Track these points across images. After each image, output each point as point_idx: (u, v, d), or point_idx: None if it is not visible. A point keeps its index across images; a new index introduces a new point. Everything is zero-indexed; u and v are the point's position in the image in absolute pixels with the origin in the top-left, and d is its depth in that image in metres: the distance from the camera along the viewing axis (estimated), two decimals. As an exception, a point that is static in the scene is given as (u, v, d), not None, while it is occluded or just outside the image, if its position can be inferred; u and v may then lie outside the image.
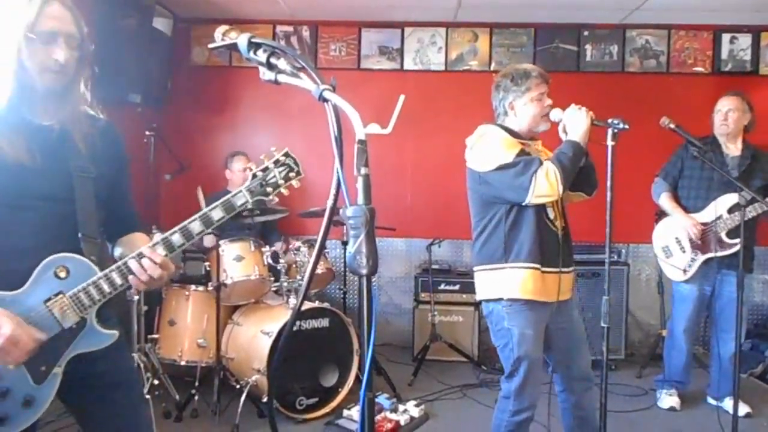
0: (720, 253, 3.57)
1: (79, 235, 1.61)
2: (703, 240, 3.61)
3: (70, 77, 1.60)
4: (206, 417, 3.52)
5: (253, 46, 1.27)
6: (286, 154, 1.75)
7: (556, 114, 2.48)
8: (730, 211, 3.54)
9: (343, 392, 3.70)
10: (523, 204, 2.41)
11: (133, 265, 1.60)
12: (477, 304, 4.72)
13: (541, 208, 2.47)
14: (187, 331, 3.82)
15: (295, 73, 1.23)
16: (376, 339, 4.23)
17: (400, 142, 5.11)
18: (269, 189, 1.73)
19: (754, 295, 5.04)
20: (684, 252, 3.69)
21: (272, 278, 3.91)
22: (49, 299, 1.55)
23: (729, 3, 4.53)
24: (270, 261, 3.86)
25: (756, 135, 3.73)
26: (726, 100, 3.71)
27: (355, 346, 3.74)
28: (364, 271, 1.09)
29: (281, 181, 1.73)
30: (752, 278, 4.87)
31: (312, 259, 1.22)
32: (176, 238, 1.65)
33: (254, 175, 1.72)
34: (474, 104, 5.16)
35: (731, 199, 3.52)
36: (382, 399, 3.57)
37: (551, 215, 2.51)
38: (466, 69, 5.15)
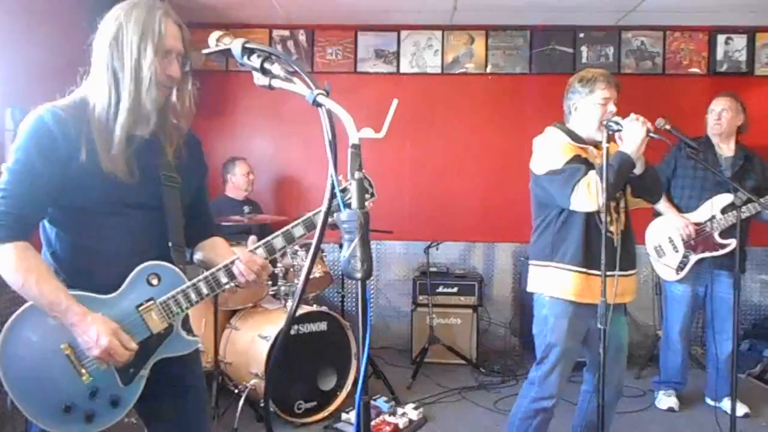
0: (713, 254, 3.58)
1: (170, 243, 1.69)
2: (696, 240, 3.62)
3: (172, 91, 1.67)
4: (205, 422, 3.51)
5: (247, 51, 1.28)
6: (363, 176, 1.83)
7: (615, 122, 2.49)
8: (724, 211, 3.55)
9: (342, 396, 3.70)
10: (570, 209, 2.48)
11: (235, 269, 1.72)
12: (475, 307, 4.73)
13: (592, 214, 2.51)
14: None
15: (289, 78, 1.24)
16: (375, 342, 4.27)
17: (397, 145, 5.12)
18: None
19: (751, 296, 5.05)
20: (677, 252, 3.70)
21: (270, 282, 3.90)
22: (141, 305, 1.63)
23: (724, 4, 4.54)
24: (267, 265, 3.85)
25: (751, 136, 3.75)
26: (719, 100, 3.74)
27: (354, 349, 3.74)
28: (358, 275, 1.09)
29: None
30: (748, 278, 4.88)
31: (306, 264, 1.22)
32: (278, 242, 1.78)
33: (334, 195, 1.81)
34: (471, 106, 5.22)
35: (725, 199, 3.54)
36: (381, 402, 3.57)
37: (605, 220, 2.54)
38: (463, 72, 5.16)
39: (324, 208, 1.13)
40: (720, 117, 3.67)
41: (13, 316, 1.57)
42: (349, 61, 5.19)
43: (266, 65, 1.25)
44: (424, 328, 4.61)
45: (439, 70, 5.17)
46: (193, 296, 1.68)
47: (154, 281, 1.64)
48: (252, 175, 4.57)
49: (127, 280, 1.62)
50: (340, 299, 4.79)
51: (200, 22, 5.05)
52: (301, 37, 5.19)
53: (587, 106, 2.58)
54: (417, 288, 4.79)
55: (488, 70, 5.15)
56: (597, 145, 2.62)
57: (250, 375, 3.53)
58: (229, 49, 1.32)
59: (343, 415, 3.50)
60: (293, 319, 3.50)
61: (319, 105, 1.14)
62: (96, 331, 1.52)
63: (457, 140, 5.17)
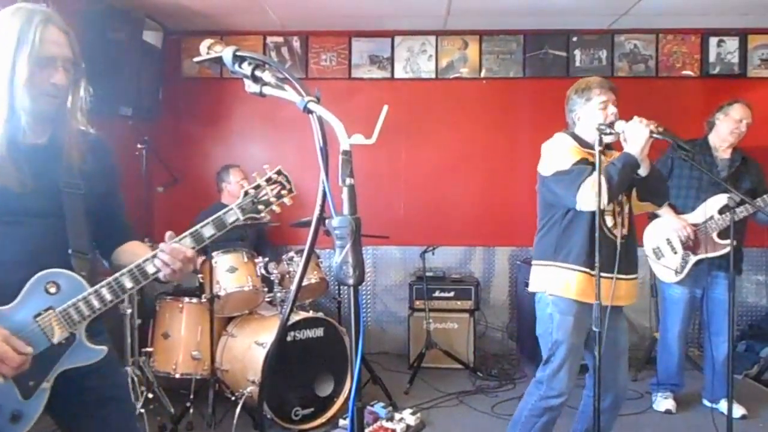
0: (711, 254, 3.58)
1: (69, 251, 1.62)
2: (695, 241, 3.62)
3: (64, 98, 1.62)
4: (202, 429, 3.50)
5: (238, 59, 1.28)
6: (279, 172, 1.78)
7: (619, 125, 2.51)
8: (721, 212, 3.55)
9: (339, 402, 3.69)
10: (576, 209, 2.51)
11: (157, 262, 1.62)
12: (472, 311, 4.73)
13: (597, 215, 2.51)
14: (181, 344, 3.81)
15: (280, 85, 1.24)
16: (372, 347, 4.27)
17: (392, 150, 5.13)
18: (261, 207, 1.74)
19: (747, 296, 5.06)
20: (675, 253, 3.70)
21: (266, 289, 3.90)
22: (39, 314, 1.55)
23: (716, 6, 4.57)
24: (263, 272, 3.86)
25: (744, 137, 3.75)
26: (744, 110, 3.68)
27: (351, 355, 3.73)
28: (350, 281, 1.09)
29: (273, 199, 1.75)
30: (745, 279, 4.89)
31: (299, 271, 1.22)
32: (187, 241, 1.68)
33: (246, 193, 1.73)
34: (465, 111, 5.23)
35: (721, 200, 3.54)
36: (378, 407, 3.56)
37: (609, 223, 2.57)
38: (457, 76, 5.18)
39: (315, 214, 1.13)
40: (741, 126, 3.65)
41: None
42: (344, 67, 5.20)
43: (257, 73, 1.25)
44: (421, 333, 4.60)
45: (433, 75, 5.18)
46: (95, 303, 1.59)
47: (52, 289, 1.57)
48: (247, 182, 4.56)
49: (24, 289, 1.55)
50: (337, 305, 4.78)
51: (194, 30, 5.08)
52: (295, 43, 5.20)
53: (588, 113, 2.64)
54: (413, 293, 4.78)
55: (482, 74, 5.16)
56: (607, 148, 2.67)
57: (246, 382, 3.53)
58: (220, 57, 1.32)
59: (341, 422, 3.49)
60: (287, 327, 3.50)
61: (310, 112, 1.15)
62: None
63: (451, 145, 5.18)
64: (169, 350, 3.81)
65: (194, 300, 3.85)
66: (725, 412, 3.06)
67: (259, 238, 4.54)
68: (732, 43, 5.04)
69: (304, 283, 3.97)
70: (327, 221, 1.13)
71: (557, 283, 2.61)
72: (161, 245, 1.64)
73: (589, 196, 2.40)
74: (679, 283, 3.70)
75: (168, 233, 1.69)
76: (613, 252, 2.51)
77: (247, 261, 3.82)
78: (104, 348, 1.66)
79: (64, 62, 1.59)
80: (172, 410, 3.58)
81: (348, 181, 1.10)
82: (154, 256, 1.64)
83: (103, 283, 1.61)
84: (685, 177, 3.74)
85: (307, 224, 3.98)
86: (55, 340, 1.56)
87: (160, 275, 1.65)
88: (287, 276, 3.93)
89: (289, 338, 3.56)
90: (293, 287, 3.82)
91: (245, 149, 5.22)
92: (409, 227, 5.18)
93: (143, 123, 4.64)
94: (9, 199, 1.55)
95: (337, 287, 4.78)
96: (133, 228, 1.92)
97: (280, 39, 5.21)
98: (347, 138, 1.10)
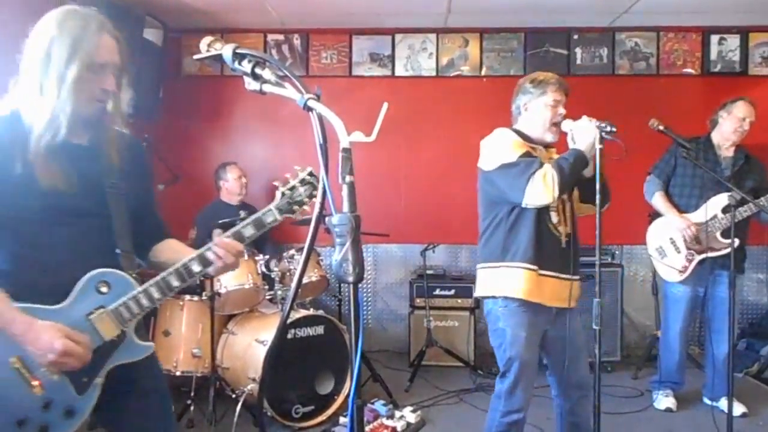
0: (715, 253, 3.57)
1: (117, 250, 1.67)
2: (698, 240, 3.61)
3: (109, 102, 1.66)
4: (202, 427, 3.50)
5: (238, 56, 1.28)
6: (311, 174, 1.84)
7: (567, 124, 2.51)
8: (725, 210, 3.54)
9: (339, 400, 3.70)
10: (522, 205, 2.45)
11: (210, 255, 1.68)
12: (472, 309, 4.73)
13: (543, 212, 2.50)
14: (181, 342, 3.81)
15: (280, 83, 1.24)
16: (373, 345, 4.27)
17: (393, 148, 5.12)
18: (296, 207, 1.82)
19: (748, 295, 5.06)
20: (679, 252, 3.69)
21: (266, 287, 3.90)
22: (91, 313, 1.60)
23: (717, 4, 4.56)
24: (264, 269, 3.86)
25: (747, 135, 3.74)
26: (748, 108, 3.66)
27: (351, 353, 3.73)
28: (350, 279, 1.09)
29: (306, 199, 1.83)
30: (745, 277, 4.89)
31: (299, 268, 1.23)
32: (211, 255, 1.72)
33: (282, 194, 1.80)
34: (465, 109, 5.22)
35: (724, 199, 3.53)
36: (379, 405, 3.56)
37: (554, 220, 2.54)
38: (457, 74, 5.17)
39: (315, 211, 1.14)
40: (744, 125, 3.63)
41: None
42: (344, 64, 5.20)
43: (257, 70, 1.25)
44: (422, 331, 4.61)
45: (433, 73, 5.18)
46: (144, 302, 1.65)
47: (104, 289, 1.62)
48: (245, 179, 4.56)
49: (76, 288, 1.59)
50: (337, 303, 4.78)
51: (195, 27, 5.07)
52: (296, 41, 5.20)
53: (538, 107, 2.59)
54: (414, 290, 4.79)
55: (483, 72, 5.16)
56: (546, 146, 2.65)
57: (247, 380, 3.53)
58: (219, 55, 1.32)
59: (341, 419, 3.49)
60: (288, 324, 3.50)
61: (310, 109, 1.15)
62: (47, 337, 1.49)
63: (452, 143, 5.17)
64: (170, 348, 3.80)
65: (195, 297, 3.85)
66: (725, 410, 3.06)
67: (259, 236, 4.53)
68: (733, 41, 5.03)
69: (305, 280, 3.98)
70: (327, 219, 1.13)
71: (506, 284, 2.53)
72: (215, 239, 1.71)
73: (539, 190, 2.36)
74: (682, 281, 3.69)
75: (216, 230, 1.75)
76: (558, 250, 2.51)
77: (248, 259, 3.82)
78: (151, 344, 1.74)
79: (114, 68, 1.63)
80: (173, 408, 3.57)
81: (348, 178, 1.10)
82: (202, 254, 1.70)
83: (151, 282, 1.66)
84: (688, 176, 3.73)
85: (308, 222, 3.97)
86: (107, 338, 1.61)
87: (211, 269, 1.71)
88: (288, 274, 3.93)
89: (289, 336, 3.56)
90: (293, 285, 3.82)
91: (246, 147, 5.23)
92: (409, 225, 5.18)
93: (143, 121, 4.62)
94: (58, 199, 1.58)
95: (337, 285, 4.79)
96: (168, 226, 1.96)
97: (281, 37, 5.20)
98: (347, 136, 1.11)
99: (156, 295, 1.66)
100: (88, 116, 1.62)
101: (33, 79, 1.58)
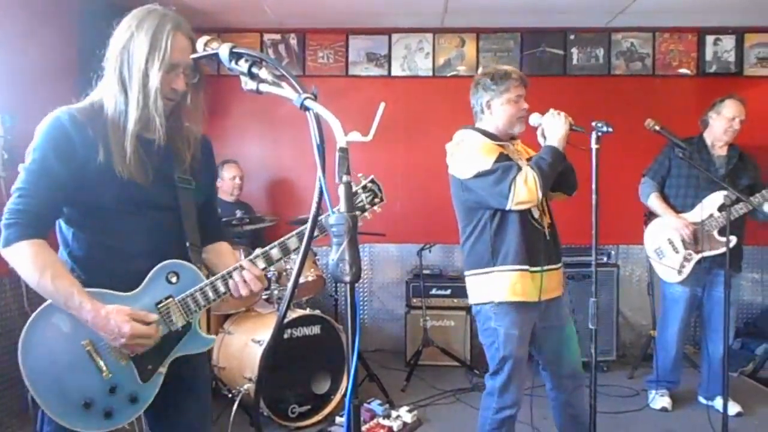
0: (713, 252, 3.58)
1: (187, 243, 1.72)
2: (696, 240, 3.62)
3: (180, 100, 1.71)
4: (198, 427, 3.50)
5: (235, 56, 1.28)
6: (373, 181, 1.89)
7: (535, 118, 2.53)
8: (721, 209, 3.54)
9: (336, 399, 3.69)
10: (506, 209, 2.45)
11: (236, 276, 1.72)
12: (469, 309, 4.72)
13: (525, 210, 2.50)
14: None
15: (277, 82, 1.24)
16: (369, 345, 4.25)
17: (389, 148, 5.12)
18: (357, 212, 1.84)
19: (743, 294, 5.07)
20: (677, 253, 3.69)
21: (263, 286, 3.89)
22: (161, 302, 1.66)
23: (712, 5, 4.57)
24: (260, 269, 3.85)
25: (740, 135, 3.75)
26: (737, 106, 3.66)
27: (347, 353, 3.73)
28: (347, 279, 1.09)
29: (367, 206, 1.88)
30: (741, 277, 4.90)
31: (296, 268, 1.23)
32: (275, 252, 1.81)
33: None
34: (462, 109, 5.16)
35: (719, 198, 3.53)
36: (375, 405, 3.57)
37: (536, 214, 2.55)
38: (454, 74, 5.18)
39: (312, 211, 1.14)
40: (734, 124, 3.64)
41: (34, 314, 1.59)
42: (341, 64, 5.20)
43: (254, 69, 1.26)
44: (418, 331, 4.61)
45: (430, 73, 5.18)
46: (210, 294, 1.71)
47: (173, 279, 1.68)
48: (239, 180, 4.56)
49: (147, 277, 1.65)
50: (334, 303, 4.78)
51: (192, 27, 5.05)
52: (293, 40, 5.20)
53: (501, 104, 2.58)
54: (410, 290, 4.79)
55: (479, 72, 5.15)
56: (512, 138, 2.66)
57: (243, 379, 3.52)
58: (217, 54, 1.32)
59: (337, 419, 3.49)
60: (284, 324, 3.49)
61: (307, 109, 1.15)
62: (115, 321, 1.54)
63: (449, 142, 5.17)
64: (166, 348, 3.80)
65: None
66: (721, 409, 3.07)
67: (256, 236, 4.53)
68: (729, 42, 5.05)
69: (301, 280, 3.97)
70: (324, 219, 1.13)
71: (501, 289, 2.51)
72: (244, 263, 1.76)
73: (523, 194, 2.36)
74: (681, 282, 3.69)
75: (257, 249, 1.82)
76: (544, 242, 2.53)
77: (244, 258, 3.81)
78: (214, 337, 1.80)
79: (186, 68, 1.67)
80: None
81: (345, 178, 1.10)
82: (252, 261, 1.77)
83: (218, 276, 1.72)
84: (683, 176, 3.73)
85: (305, 221, 3.97)
86: (174, 328, 1.67)
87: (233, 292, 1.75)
88: (284, 273, 3.93)
89: (285, 336, 3.56)
90: (290, 285, 3.81)
91: (242, 146, 5.22)
92: (406, 225, 5.18)
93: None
94: (135, 191, 1.63)
95: (333, 285, 4.79)
96: (226, 230, 1.98)
97: (278, 36, 5.20)
98: (344, 135, 1.11)
99: (222, 288, 1.72)
100: (158, 112, 1.65)
101: (115, 76, 1.63)
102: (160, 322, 1.64)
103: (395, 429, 3.35)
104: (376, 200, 1.88)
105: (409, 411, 3.53)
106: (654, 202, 3.78)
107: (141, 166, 1.63)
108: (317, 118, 1.14)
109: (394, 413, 3.48)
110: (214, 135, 5.63)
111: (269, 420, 3.47)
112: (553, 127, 2.44)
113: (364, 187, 1.86)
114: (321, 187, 1.12)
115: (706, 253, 3.59)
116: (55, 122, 1.58)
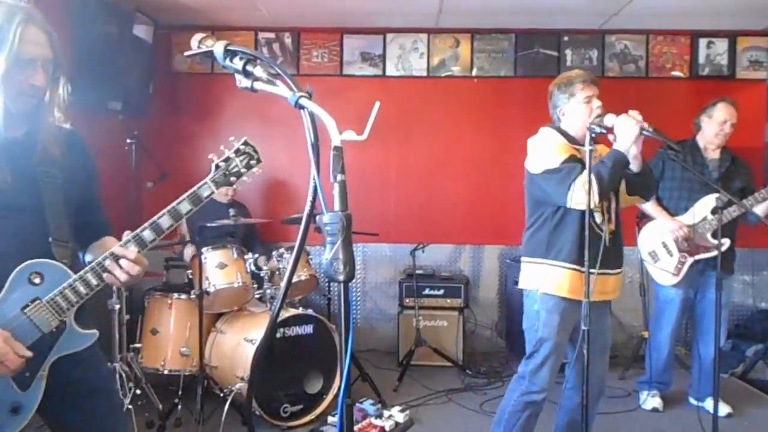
0: (706, 255, 3.59)
1: (50, 239, 1.62)
2: (690, 242, 3.63)
3: (42, 96, 1.62)
4: (190, 426, 3.49)
5: (229, 53, 1.27)
6: (245, 143, 1.82)
7: (609, 119, 2.49)
8: (714, 212, 3.56)
9: (328, 399, 3.69)
10: (566, 206, 2.51)
11: (108, 264, 1.63)
12: (461, 309, 4.74)
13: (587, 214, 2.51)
14: (170, 340, 3.79)
15: (272, 81, 1.24)
16: (362, 345, 4.26)
17: (383, 148, 5.12)
18: (233, 178, 1.80)
19: (734, 296, 5.09)
20: (671, 255, 3.70)
21: (255, 285, 3.89)
22: (27, 306, 1.56)
23: (706, 8, 4.60)
24: (253, 268, 3.85)
25: (732, 138, 3.77)
26: (728, 110, 3.68)
27: (340, 352, 3.72)
28: (341, 278, 1.09)
29: (243, 170, 1.81)
30: (732, 279, 4.93)
31: (289, 267, 1.23)
32: (147, 234, 1.68)
33: (217, 166, 1.78)
34: (456, 109, 5.24)
35: (712, 200, 3.55)
36: (367, 405, 3.55)
37: (598, 219, 2.58)
38: (448, 74, 5.18)
39: (306, 210, 1.13)
40: (725, 128, 3.66)
41: None
42: (335, 63, 5.19)
43: (248, 67, 1.25)
44: (411, 331, 4.61)
45: (424, 73, 5.19)
46: (81, 289, 1.61)
47: (37, 280, 1.57)
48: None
49: (7, 282, 1.54)
50: (327, 302, 4.78)
51: (185, 24, 5.04)
52: (287, 39, 5.19)
53: (573, 108, 2.63)
54: (403, 290, 4.79)
55: (473, 73, 5.17)
56: (596, 142, 2.64)
57: (235, 378, 3.52)
58: (211, 52, 1.31)
59: (329, 418, 3.48)
60: (277, 323, 3.49)
61: (302, 107, 1.15)
62: None
63: (442, 142, 5.18)
64: (158, 346, 3.79)
65: (183, 296, 3.83)
66: (711, 410, 3.09)
67: (249, 235, 4.52)
68: (721, 45, 5.08)
69: (294, 279, 3.97)
70: (317, 217, 1.12)
71: (549, 281, 2.61)
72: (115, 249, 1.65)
73: (581, 196, 2.40)
74: (675, 284, 3.70)
75: (125, 232, 1.69)
76: (602, 247, 2.52)
77: (237, 257, 3.81)
78: (95, 331, 1.69)
79: (44, 63, 1.58)
80: (161, 406, 3.55)
81: (339, 177, 1.10)
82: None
83: (87, 268, 1.63)
84: (676, 178, 3.75)
85: (298, 220, 3.96)
86: (46, 330, 1.57)
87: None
88: (277, 272, 3.92)
89: (278, 335, 3.55)
90: (283, 284, 3.81)
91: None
92: (399, 225, 5.18)
93: (133, 118, 4.60)
94: None
95: (327, 284, 4.78)
96: (111, 225, 1.91)
97: (272, 35, 5.19)
98: (338, 134, 1.10)
99: (93, 281, 1.62)
100: (19, 111, 1.58)
101: None
102: (30, 326, 1.55)
103: (387, 429, 3.34)
104: (253, 162, 1.81)
105: (402, 411, 3.52)
106: (647, 205, 3.78)
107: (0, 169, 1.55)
108: (312, 116, 1.14)
109: (386, 413, 3.47)
110: (207, 134, 5.65)
111: (261, 419, 3.46)
112: (622, 130, 2.42)
113: (237, 151, 1.79)
114: (316, 186, 1.12)
115: (700, 256, 3.61)
116: None
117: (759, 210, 3.41)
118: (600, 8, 4.62)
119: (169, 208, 1.71)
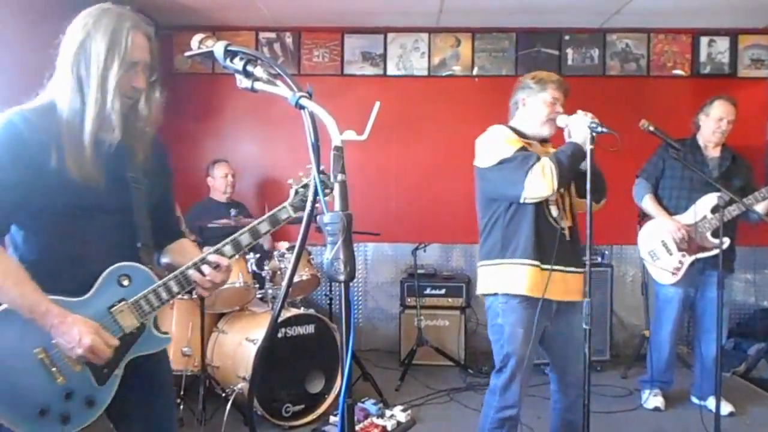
0: (706, 254, 3.59)
1: (139, 244, 1.71)
2: (689, 241, 3.63)
3: (138, 99, 1.69)
4: (192, 426, 3.48)
5: (230, 54, 1.28)
6: (322, 171, 1.86)
7: (562, 119, 2.51)
8: (714, 211, 3.56)
9: (330, 399, 3.69)
10: (521, 201, 2.46)
11: (192, 274, 1.73)
12: (463, 308, 4.74)
13: (542, 207, 2.51)
14: (171, 340, 3.78)
15: (272, 81, 1.24)
16: (363, 344, 4.26)
17: (384, 148, 5.12)
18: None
19: (736, 295, 5.09)
20: (671, 255, 3.69)
21: (257, 285, 3.89)
22: (113, 306, 1.65)
23: (707, 6, 4.59)
24: (254, 268, 3.85)
25: (733, 137, 3.77)
26: (725, 107, 3.67)
27: (341, 352, 3.72)
28: (341, 278, 1.09)
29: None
30: (733, 277, 4.93)
31: (290, 267, 1.23)
32: (228, 249, 1.80)
33: (296, 191, 1.88)
34: (457, 108, 5.23)
35: (712, 199, 3.55)
36: (369, 404, 3.56)
37: (554, 213, 2.54)
38: (449, 74, 5.18)
39: (307, 210, 1.13)
40: (722, 125, 3.65)
41: None
42: (336, 63, 5.19)
43: (249, 68, 1.25)
44: (412, 330, 4.61)
45: (425, 73, 5.18)
46: (164, 295, 1.70)
47: (125, 282, 1.66)
48: (232, 177, 4.55)
49: (98, 282, 1.63)
50: (328, 302, 4.78)
51: (186, 24, 5.05)
52: (288, 39, 5.19)
53: (536, 102, 2.62)
54: (405, 290, 4.79)
55: (474, 72, 5.17)
56: (542, 141, 2.67)
57: (237, 378, 3.52)
58: (211, 52, 1.32)
59: (331, 418, 3.49)
60: (278, 323, 3.49)
61: (302, 107, 1.15)
62: (78, 331, 1.53)
63: (443, 142, 5.18)
64: (160, 346, 3.78)
65: (185, 296, 3.83)
66: (713, 409, 3.08)
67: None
68: (723, 43, 5.07)
69: (295, 279, 3.97)
70: (318, 217, 1.13)
71: (508, 281, 2.53)
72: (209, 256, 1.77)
73: (539, 182, 2.37)
74: (674, 283, 3.69)
75: (205, 248, 1.84)
76: (561, 243, 2.50)
77: (239, 257, 3.80)
78: (170, 336, 1.80)
79: (144, 66, 1.66)
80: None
81: (339, 177, 1.10)
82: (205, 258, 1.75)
83: (170, 276, 1.72)
84: (677, 177, 3.74)
85: (299, 220, 3.96)
86: (128, 330, 1.66)
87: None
88: (278, 272, 3.92)
89: (279, 335, 3.56)
90: (284, 284, 3.81)
91: (236, 145, 5.21)
92: (400, 224, 5.18)
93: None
94: (88, 194, 1.61)
95: (328, 284, 4.78)
96: (181, 228, 2.00)
97: (273, 35, 5.19)
98: (339, 134, 1.10)
99: (175, 288, 1.72)
100: (115, 111, 1.63)
101: (70, 75, 1.60)
102: (114, 325, 1.63)
103: (389, 428, 3.35)
104: (327, 190, 1.87)
105: (403, 410, 3.53)
106: (648, 203, 3.79)
107: (96, 169, 1.61)
108: (312, 116, 1.14)
109: (388, 413, 3.48)
110: (208, 134, 5.65)
111: (263, 419, 3.46)
112: (577, 127, 2.44)
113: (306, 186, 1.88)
114: (316, 186, 1.12)
115: (700, 255, 3.60)
116: (8, 125, 1.55)
117: (760, 208, 3.41)
118: (601, 7, 4.62)
119: (249, 226, 1.82)
